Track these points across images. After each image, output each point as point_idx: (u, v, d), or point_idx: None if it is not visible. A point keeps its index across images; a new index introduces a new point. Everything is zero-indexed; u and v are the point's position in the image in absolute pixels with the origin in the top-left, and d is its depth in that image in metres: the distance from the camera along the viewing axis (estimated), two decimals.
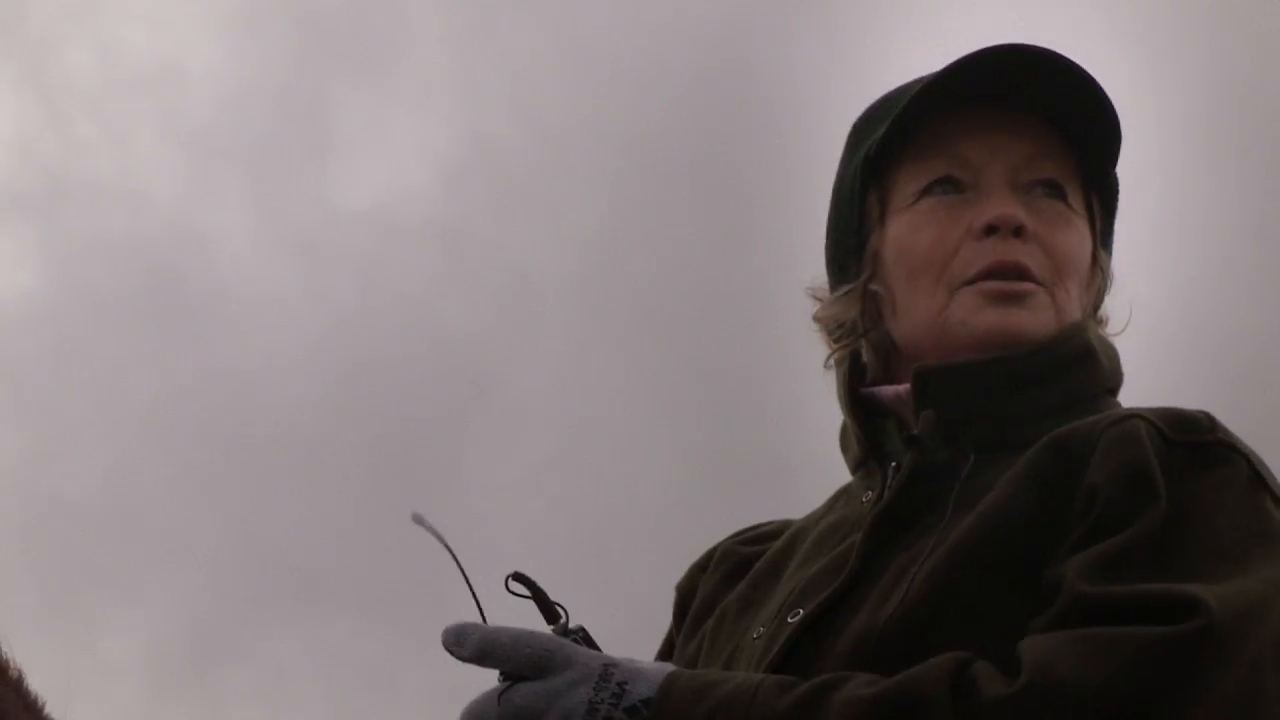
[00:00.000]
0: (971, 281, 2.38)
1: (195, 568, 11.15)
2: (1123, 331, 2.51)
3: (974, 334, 2.37)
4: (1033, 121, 2.43)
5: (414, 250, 11.89)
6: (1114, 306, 2.52)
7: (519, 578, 2.20)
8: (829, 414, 2.56)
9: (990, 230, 2.38)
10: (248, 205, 12.12)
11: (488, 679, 2.19)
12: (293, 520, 11.14)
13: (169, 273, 11.84)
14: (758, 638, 2.35)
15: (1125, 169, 2.52)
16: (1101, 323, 2.50)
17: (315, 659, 10.85)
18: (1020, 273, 2.38)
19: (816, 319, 2.53)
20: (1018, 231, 2.38)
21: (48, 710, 2.32)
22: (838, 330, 2.50)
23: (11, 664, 2.27)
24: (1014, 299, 2.37)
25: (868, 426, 2.45)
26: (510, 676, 2.16)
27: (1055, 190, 2.43)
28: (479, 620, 2.19)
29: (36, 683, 2.35)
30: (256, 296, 11.89)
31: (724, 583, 2.55)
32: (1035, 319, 2.37)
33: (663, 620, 2.68)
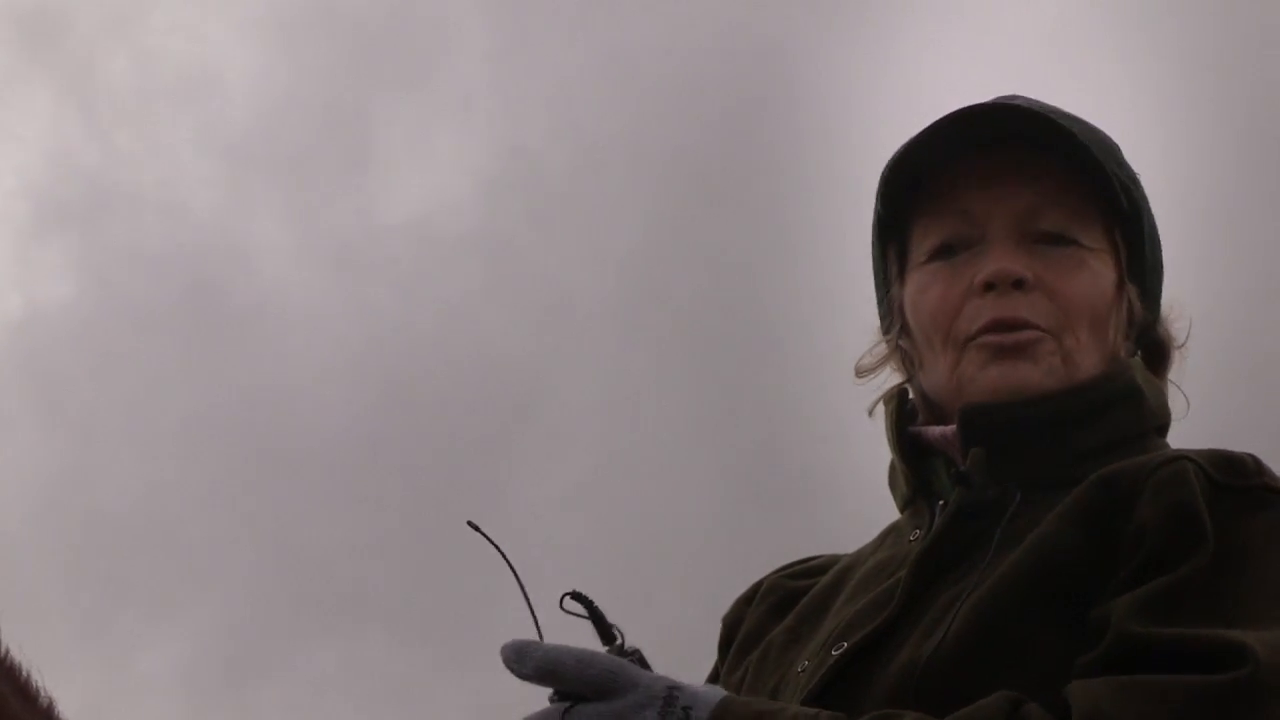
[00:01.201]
0: (975, 337, 2.39)
1: (232, 583, 11.15)
2: (1184, 344, 2.53)
3: (982, 390, 2.38)
4: (1042, 162, 2.43)
5: (454, 263, 11.89)
6: (1173, 327, 2.55)
7: (576, 596, 2.15)
8: (868, 434, 2.56)
9: (989, 287, 2.39)
10: (287, 218, 12.13)
11: (530, 698, 2.14)
12: (329, 536, 11.14)
13: (208, 285, 11.86)
14: (802, 671, 2.34)
15: (1167, 188, 2.52)
16: (1163, 338, 2.52)
17: (351, 675, 10.83)
18: (1020, 326, 2.38)
19: (857, 370, 2.57)
20: (1018, 284, 2.39)
21: None
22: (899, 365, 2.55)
23: (42, 691, 2.24)
24: (1016, 352, 2.38)
25: (916, 466, 2.46)
26: (567, 696, 2.10)
27: (1061, 237, 2.43)
28: (535, 637, 2.13)
29: (73, 698, 2.32)
30: (296, 310, 11.90)
31: (770, 616, 2.54)
32: (1037, 370, 2.37)
33: (701, 639, 2.67)
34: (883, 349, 2.56)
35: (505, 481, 11.17)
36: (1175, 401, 2.54)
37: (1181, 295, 2.57)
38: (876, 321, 2.61)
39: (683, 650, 2.70)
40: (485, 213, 11.93)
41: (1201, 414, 2.55)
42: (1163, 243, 2.55)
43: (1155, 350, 2.53)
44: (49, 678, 2.30)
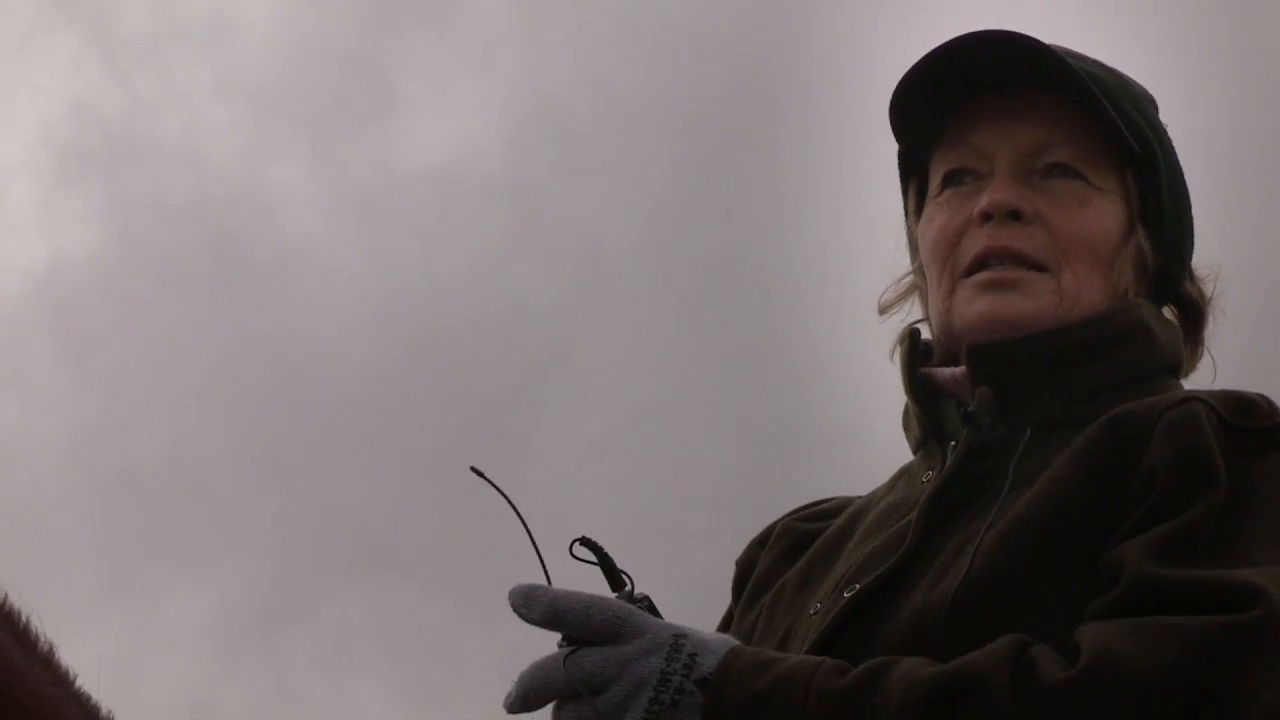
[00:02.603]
0: (968, 274, 2.40)
1: (259, 535, 11.17)
2: (1212, 298, 2.51)
3: (969, 323, 2.39)
4: (1057, 104, 2.43)
5: (479, 212, 11.86)
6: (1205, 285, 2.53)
7: (586, 542, 2.13)
8: (889, 381, 2.55)
9: (987, 217, 2.39)
10: (311, 166, 12.11)
11: (547, 643, 2.12)
12: (357, 487, 11.14)
13: (232, 235, 11.84)
14: (814, 613, 2.33)
15: (1193, 137, 2.49)
16: (1195, 295, 2.50)
17: (379, 626, 10.85)
18: (1012, 256, 2.38)
19: (880, 305, 2.58)
20: (1016, 215, 2.38)
21: (80, 684, 2.26)
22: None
23: (42, 638, 2.21)
24: (1005, 285, 2.38)
25: (928, 407, 2.44)
26: (575, 641, 2.08)
27: (1068, 171, 2.42)
28: (544, 582, 2.11)
29: (102, 650, 2.29)
30: (320, 259, 11.88)
31: (783, 558, 2.54)
32: (1027, 304, 2.37)
33: (724, 591, 2.66)
34: (903, 284, 2.57)
35: (531, 431, 11.16)
36: (1203, 366, 2.53)
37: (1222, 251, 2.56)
38: (898, 266, 2.61)
39: (707, 597, 2.69)
40: (510, 160, 11.89)
41: (1222, 360, 2.53)
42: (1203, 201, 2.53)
43: (1188, 307, 2.52)
44: (78, 630, 2.28)
